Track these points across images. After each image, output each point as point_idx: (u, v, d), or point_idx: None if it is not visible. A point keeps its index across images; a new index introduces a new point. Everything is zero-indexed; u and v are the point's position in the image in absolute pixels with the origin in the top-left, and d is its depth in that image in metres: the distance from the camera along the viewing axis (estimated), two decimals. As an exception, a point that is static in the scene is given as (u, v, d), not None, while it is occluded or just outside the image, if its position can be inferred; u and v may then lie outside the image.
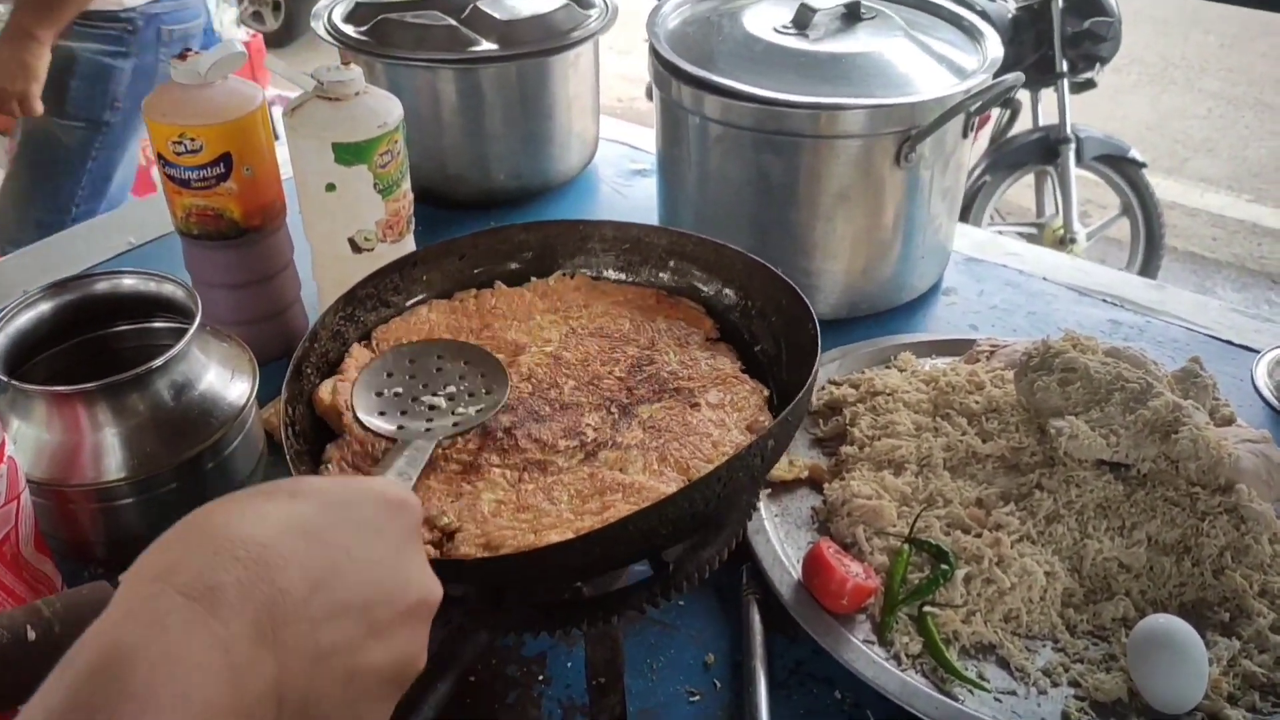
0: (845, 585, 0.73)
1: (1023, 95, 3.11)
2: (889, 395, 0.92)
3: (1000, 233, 2.03)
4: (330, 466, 0.67)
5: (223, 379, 0.80)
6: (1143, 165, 3.04)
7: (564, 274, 0.85)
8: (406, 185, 0.94)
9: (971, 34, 1.08)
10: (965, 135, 1.02)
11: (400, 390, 0.69)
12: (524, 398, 0.73)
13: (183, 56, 0.88)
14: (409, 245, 0.97)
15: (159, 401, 0.75)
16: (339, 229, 0.92)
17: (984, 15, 3.01)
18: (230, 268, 0.95)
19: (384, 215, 0.92)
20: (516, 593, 0.62)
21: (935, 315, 1.10)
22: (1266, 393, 0.98)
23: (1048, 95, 3.02)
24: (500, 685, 0.72)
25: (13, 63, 1.64)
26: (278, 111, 1.09)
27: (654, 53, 1.06)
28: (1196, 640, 0.68)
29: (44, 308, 0.78)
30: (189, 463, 0.75)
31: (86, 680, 0.34)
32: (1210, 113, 4.50)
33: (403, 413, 0.67)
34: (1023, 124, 3.10)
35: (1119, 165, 3.06)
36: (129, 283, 0.80)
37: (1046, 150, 3.00)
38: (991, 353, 0.97)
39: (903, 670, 0.71)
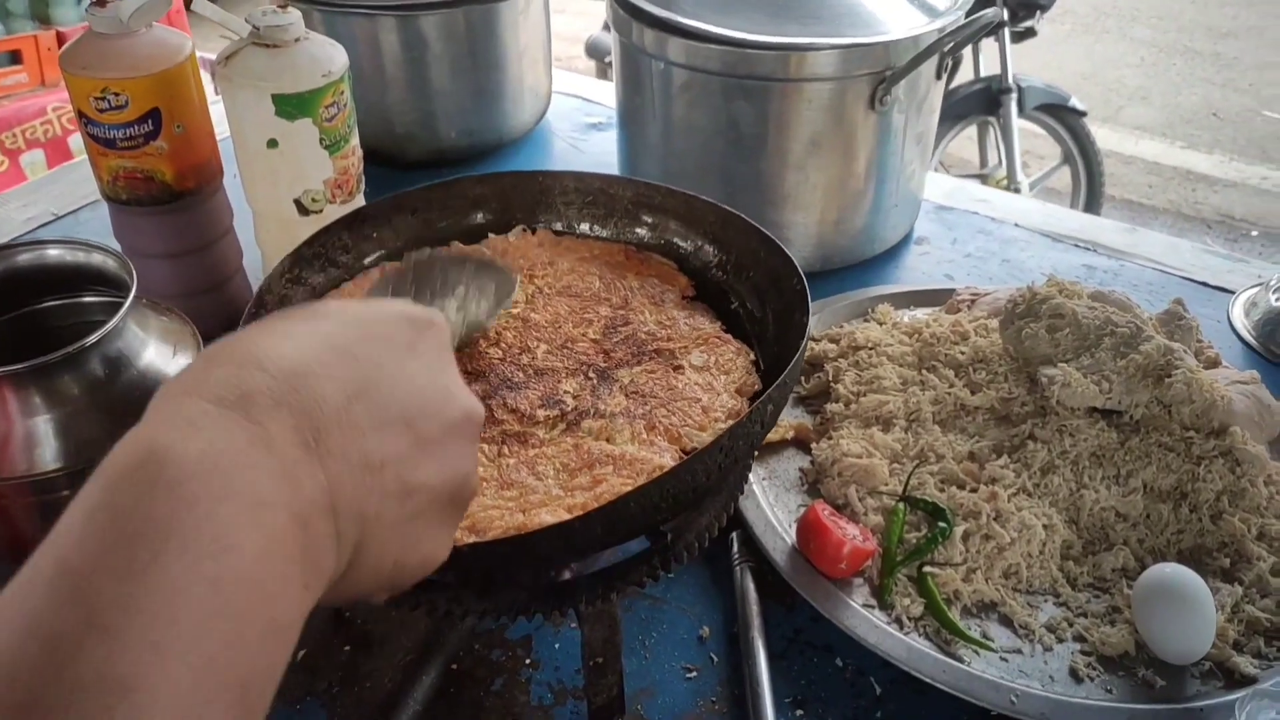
0: (843, 549, 0.70)
1: (963, 45, 3.11)
2: (871, 349, 0.89)
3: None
4: None
5: (163, 355, 0.73)
6: (1083, 114, 3.06)
7: (524, 229, 0.80)
8: (355, 141, 0.88)
9: (940, -28, 1.04)
10: (939, 77, 0.99)
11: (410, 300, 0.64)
12: (494, 364, 0.68)
13: (102, 4, 0.80)
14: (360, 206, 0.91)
15: (95, 382, 0.68)
16: (283, 189, 0.86)
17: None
18: (164, 235, 0.87)
19: (332, 173, 0.86)
20: (507, 575, 0.57)
21: (909, 265, 1.07)
22: (1244, 333, 0.97)
23: (988, 46, 3.01)
24: (485, 671, 0.67)
25: None
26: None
27: (612, -5, 1.00)
28: (1203, 588, 0.66)
29: (-41, 284, 0.70)
30: (132, 448, 0.69)
31: (123, 478, 0.31)
32: (1143, 61, 4.55)
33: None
34: (964, 74, 3.09)
35: (1060, 114, 3.07)
36: (54, 253, 0.72)
37: (989, 101, 3.00)
38: (972, 301, 0.94)
39: (905, 634, 0.68)
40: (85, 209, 1.14)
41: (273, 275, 0.69)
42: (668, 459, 0.61)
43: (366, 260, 0.76)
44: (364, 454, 0.36)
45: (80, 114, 0.82)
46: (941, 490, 0.76)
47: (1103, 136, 3.33)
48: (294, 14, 0.81)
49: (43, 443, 0.66)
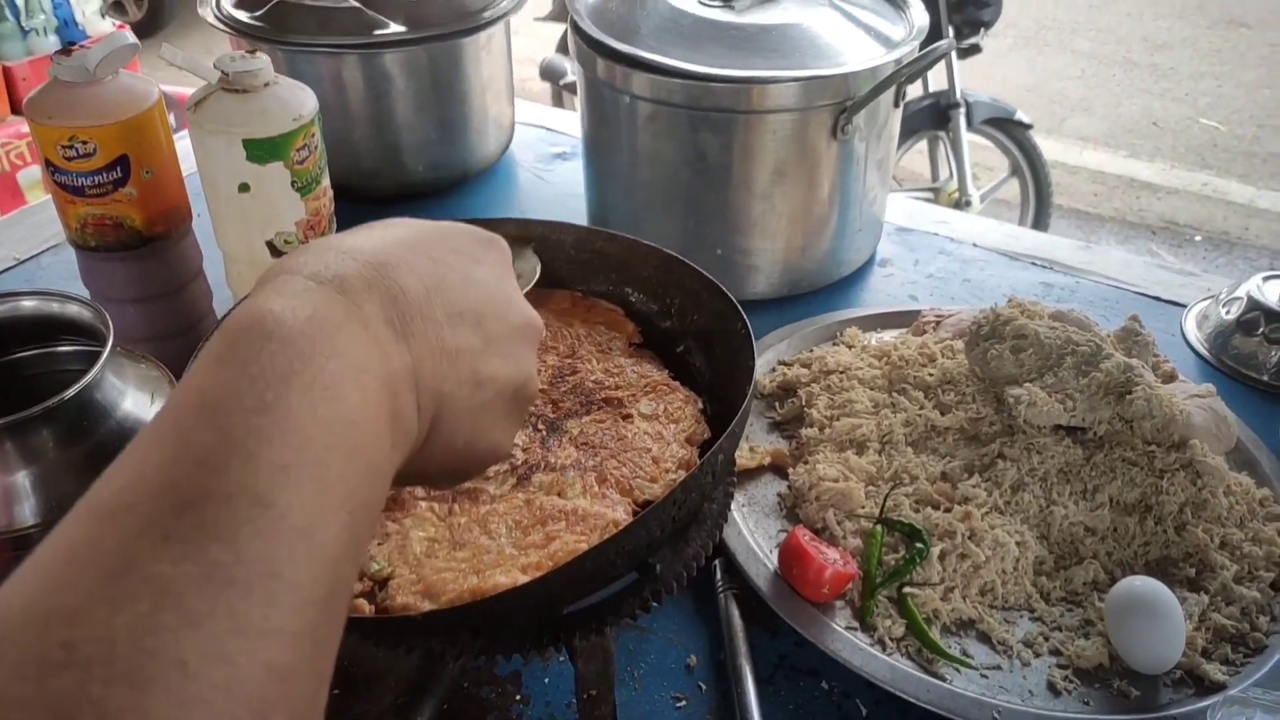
0: (824, 574, 0.72)
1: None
2: (842, 373, 0.90)
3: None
4: None
5: (140, 404, 0.73)
6: (1029, 126, 3.14)
7: None
8: (326, 181, 0.88)
9: (894, 2, 1.07)
10: (896, 105, 1.02)
11: None
12: None
13: (68, 52, 0.79)
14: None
15: (73, 435, 0.67)
16: (255, 232, 0.86)
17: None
18: (134, 281, 0.87)
19: (304, 215, 0.86)
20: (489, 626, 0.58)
21: (874, 288, 1.10)
22: (1198, 345, 1.01)
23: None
24: (476, 710, 0.68)
25: None
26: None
27: (575, 29, 1.02)
28: (1171, 599, 0.69)
29: (-70, 337, 0.70)
30: (112, 499, 0.68)
31: (243, 334, 0.35)
32: (1084, 73, 4.67)
33: None
34: (913, 90, 3.16)
35: (1006, 127, 3.15)
36: (29, 305, 0.72)
37: (938, 115, 3.07)
38: (937, 323, 0.96)
39: (888, 654, 0.70)
40: (46, 253, 1.12)
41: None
42: (620, 512, 0.61)
43: None
44: (441, 341, 0.41)
45: (47, 162, 0.81)
46: (917, 511, 0.78)
47: (1048, 147, 3.41)
48: (263, 59, 0.81)
49: (21, 499, 0.65)
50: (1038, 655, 0.71)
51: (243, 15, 1.13)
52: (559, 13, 3.38)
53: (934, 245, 1.16)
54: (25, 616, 0.27)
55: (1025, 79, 4.58)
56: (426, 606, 0.55)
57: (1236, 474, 0.81)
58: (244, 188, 0.82)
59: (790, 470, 0.83)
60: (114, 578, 0.28)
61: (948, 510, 0.78)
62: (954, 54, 3.00)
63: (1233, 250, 3.42)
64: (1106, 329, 0.90)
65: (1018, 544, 0.76)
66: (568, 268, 0.80)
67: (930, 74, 3.15)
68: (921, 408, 0.86)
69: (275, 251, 0.86)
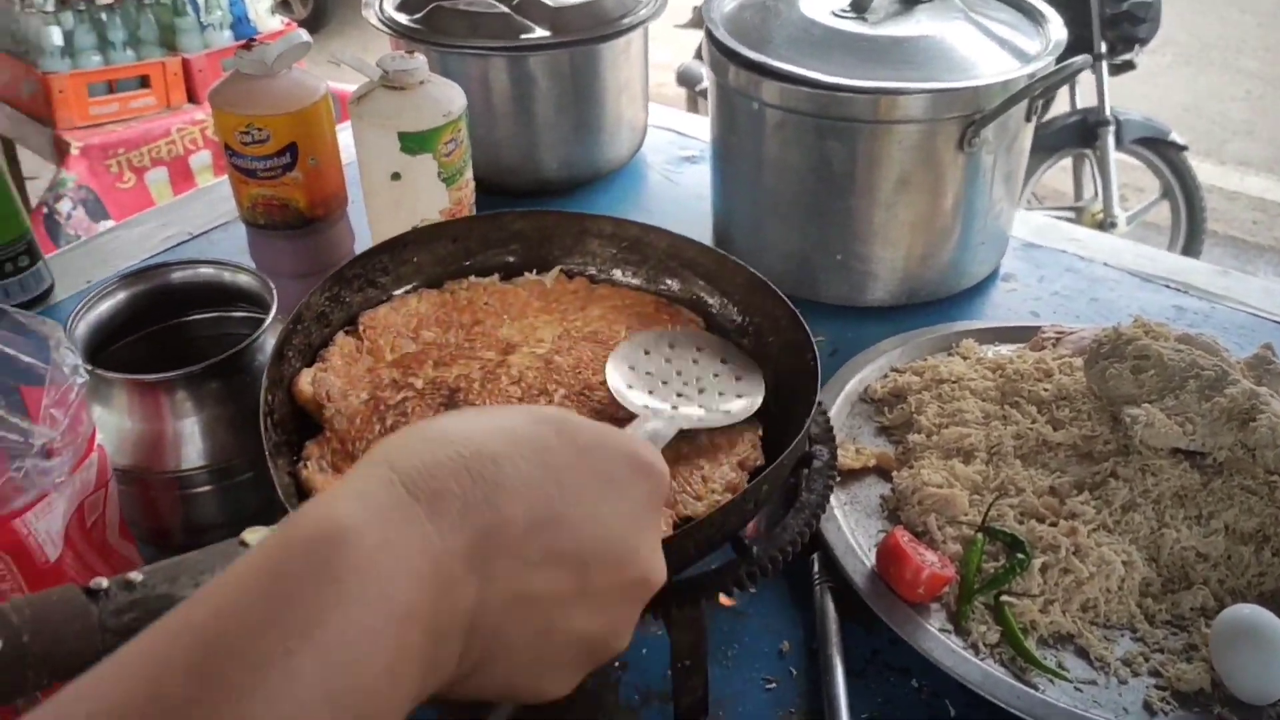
0: (921, 574, 0.73)
1: (1060, 77, 3.09)
2: (954, 383, 0.91)
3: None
4: (309, 464, 0.65)
5: (294, 368, 0.80)
6: (1183, 148, 3.00)
7: (563, 271, 0.83)
8: (469, 174, 0.95)
9: (1032, 16, 1.07)
10: (1029, 119, 1.01)
11: (652, 370, 0.70)
12: (512, 403, 0.70)
13: (248, 46, 0.88)
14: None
15: (235, 390, 0.75)
16: (402, 217, 0.93)
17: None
18: (295, 256, 0.95)
19: (448, 204, 0.92)
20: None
21: (995, 302, 1.09)
22: (1338, 379, 0.96)
23: (1085, 76, 2.98)
24: (577, 672, 0.72)
25: None
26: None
27: (710, 37, 1.05)
28: (1282, 630, 0.67)
29: (120, 297, 0.78)
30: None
31: (300, 548, 0.33)
32: (1249, 94, 4.43)
33: (650, 391, 0.68)
34: (1059, 106, 3.06)
35: (1159, 148, 3.02)
36: (205, 272, 0.80)
37: (1085, 133, 2.97)
38: (1057, 339, 0.96)
39: (981, 659, 0.70)
40: (217, 230, 1.23)
41: (314, 293, 0.72)
42: (663, 524, 0.63)
43: (400, 287, 0.79)
44: (524, 585, 0.37)
45: (226, 146, 0.90)
46: (1021, 523, 0.78)
47: (1206, 171, 3.26)
48: (419, 59, 0.88)
49: (188, 442, 0.74)
50: (1136, 675, 0.70)
51: (402, 17, 1.21)
52: (699, 20, 3.42)
53: (1061, 262, 1.15)
54: None
55: (1184, 98, 4.37)
56: None
57: (1367, 511, 0.78)
58: (396, 176, 0.89)
59: (894, 474, 0.85)
60: None
61: (1053, 524, 0.78)
62: (1104, 70, 2.90)
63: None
64: (1239, 356, 0.88)
65: (1124, 563, 0.75)
66: (654, 271, 0.83)
67: (1079, 89, 3.06)
68: (1034, 422, 0.86)
69: (420, 236, 0.93)
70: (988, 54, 1.00)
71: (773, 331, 0.76)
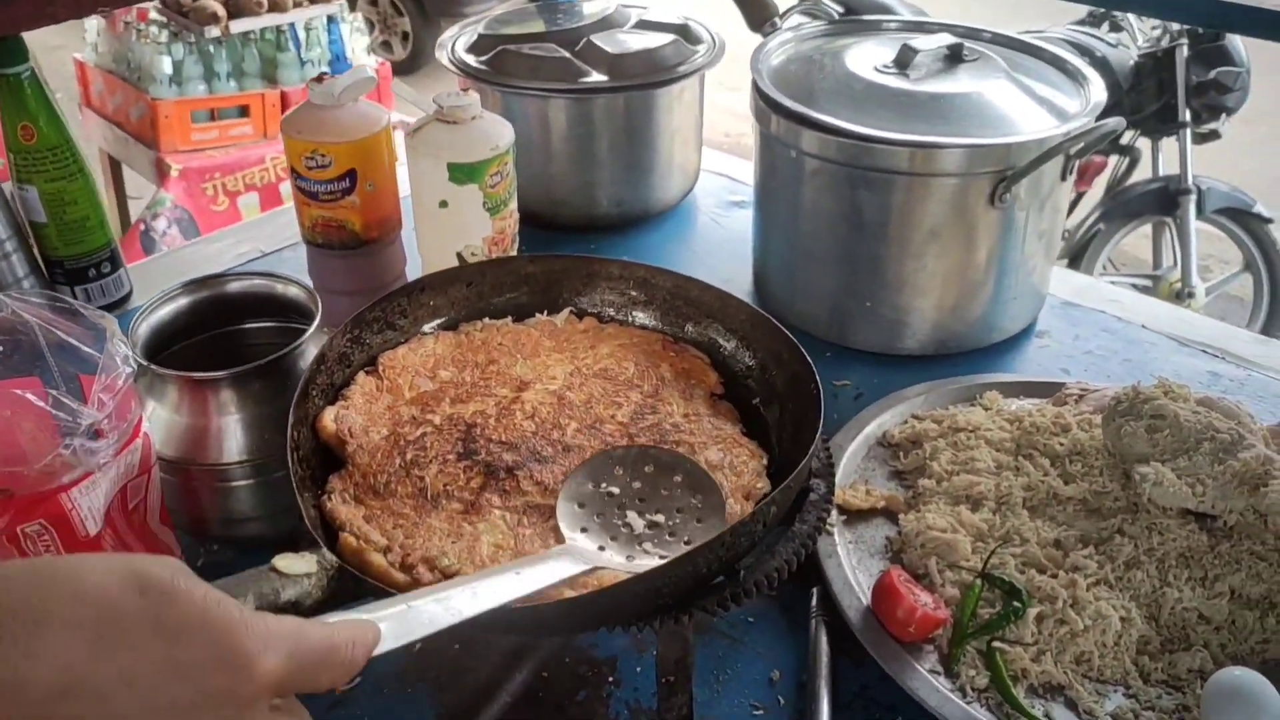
0: (914, 614, 0.74)
1: (1143, 144, 3.05)
2: (971, 432, 0.92)
3: (1113, 283, 1.98)
4: (334, 496, 0.69)
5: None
6: (1269, 220, 2.93)
7: (573, 313, 0.87)
8: (513, 205, 1.00)
9: (1075, 77, 1.08)
10: (1064, 178, 1.03)
11: (616, 490, 0.70)
12: (527, 437, 0.74)
13: (320, 80, 0.95)
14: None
15: (278, 392, 0.81)
16: (448, 243, 0.98)
17: (1103, 62, 2.93)
18: (349, 275, 1.02)
19: (491, 232, 0.98)
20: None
21: (1026, 357, 1.10)
22: (1373, 454, 0.94)
23: (1170, 144, 2.94)
24: (572, 682, 0.75)
25: None
26: (399, 134, 1.16)
27: (755, 88, 1.10)
28: (1273, 695, 0.67)
29: (182, 303, 0.85)
30: (299, 452, 0.81)
31: None
32: (1346, 169, 4.28)
33: (599, 514, 0.68)
34: (1142, 173, 3.02)
35: (1243, 219, 2.96)
36: (259, 283, 0.87)
37: (1165, 200, 2.92)
38: (1081, 396, 0.96)
39: (968, 703, 0.71)
40: (287, 249, 1.31)
41: (335, 334, 0.77)
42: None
43: (418, 328, 0.84)
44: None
45: (292, 169, 0.97)
46: (1021, 572, 0.79)
47: (1291, 245, 3.15)
48: (473, 96, 0.94)
49: (231, 438, 0.79)
50: (1124, 731, 0.70)
51: (471, 59, 1.28)
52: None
53: (1098, 322, 1.15)
54: None
55: (1277, 171, 4.25)
56: None
57: (1383, 586, 0.77)
58: (443, 204, 0.95)
59: (901, 516, 0.86)
60: None
61: (1053, 576, 0.78)
62: (1188, 138, 2.86)
63: None
64: (1265, 423, 0.87)
65: (1122, 619, 0.75)
66: (661, 311, 0.87)
67: (1162, 157, 3.01)
68: (1045, 474, 0.87)
69: (462, 261, 0.98)
70: (1025, 112, 1.02)
71: (775, 365, 0.78)
